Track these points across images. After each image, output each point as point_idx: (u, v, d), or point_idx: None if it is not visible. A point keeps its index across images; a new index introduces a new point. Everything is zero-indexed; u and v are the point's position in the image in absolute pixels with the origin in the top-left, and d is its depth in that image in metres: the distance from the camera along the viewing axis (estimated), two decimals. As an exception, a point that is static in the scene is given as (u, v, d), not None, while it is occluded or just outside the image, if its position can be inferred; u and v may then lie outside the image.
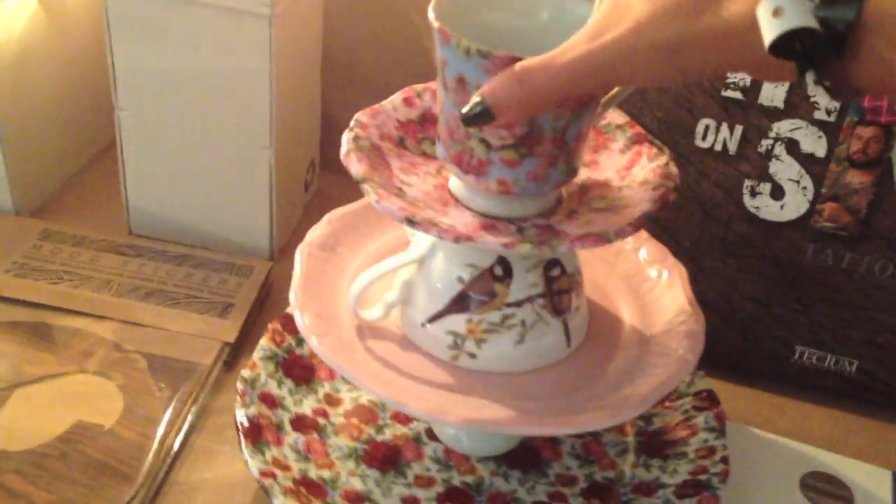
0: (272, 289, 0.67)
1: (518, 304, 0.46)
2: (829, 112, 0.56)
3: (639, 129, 0.48)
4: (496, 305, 0.46)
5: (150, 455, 0.52)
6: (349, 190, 0.53)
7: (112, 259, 0.66)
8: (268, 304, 0.66)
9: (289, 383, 0.56)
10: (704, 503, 0.50)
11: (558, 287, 0.46)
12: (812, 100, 0.56)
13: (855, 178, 0.57)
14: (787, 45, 0.32)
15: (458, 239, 0.40)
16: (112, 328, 0.61)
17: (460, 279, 0.46)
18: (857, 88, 0.33)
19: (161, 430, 0.54)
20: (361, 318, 0.48)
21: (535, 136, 0.40)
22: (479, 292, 0.46)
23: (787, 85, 0.56)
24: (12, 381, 0.56)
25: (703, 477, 0.51)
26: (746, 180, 0.58)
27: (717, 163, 0.58)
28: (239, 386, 0.54)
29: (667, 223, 0.58)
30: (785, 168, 0.57)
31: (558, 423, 0.43)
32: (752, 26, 0.33)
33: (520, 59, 0.37)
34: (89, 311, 0.61)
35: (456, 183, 0.45)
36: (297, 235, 0.73)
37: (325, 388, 0.56)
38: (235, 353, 0.61)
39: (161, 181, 0.69)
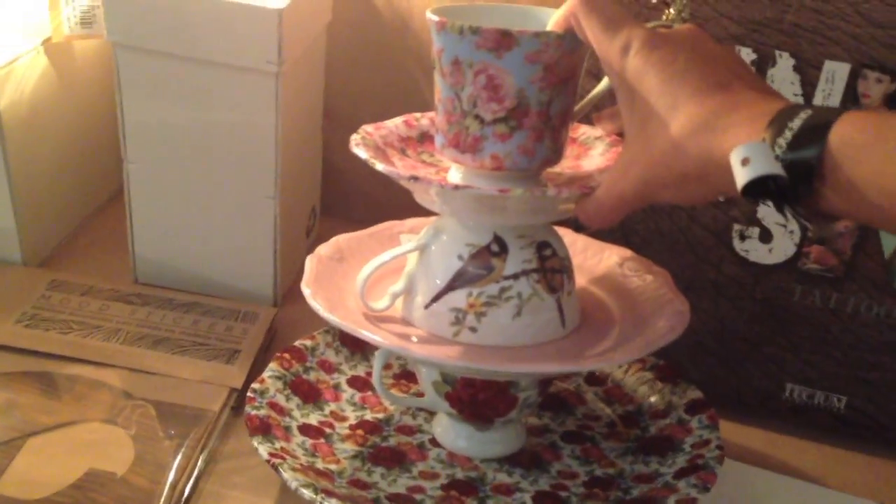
0: (277, 334, 0.69)
1: (514, 276, 0.49)
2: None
3: (616, 137, 0.53)
4: (494, 278, 0.49)
5: (162, 501, 0.54)
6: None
7: (120, 308, 0.68)
8: (273, 349, 0.67)
9: (296, 399, 0.58)
10: (702, 478, 0.52)
11: (550, 265, 0.50)
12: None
13: (839, 222, 0.59)
14: (758, 188, 0.36)
15: (458, 188, 0.46)
16: (121, 376, 0.62)
17: (460, 257, 0.50)
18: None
19: (171, 477, 0.55)
20: (369, 308, 0.51)
21: (523, 108, 0.46)
22: (478, 267, 0.49)
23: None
24: (25, 431, 0.57)
25: (700, 461, 0.54)
26: (735, 224, 0.61)
27: (707, 207, 0.61)
28: (249, 394, 0.57)
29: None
30: (772, 212, 0.60)
31: (562, 362, 0.48)
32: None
33: (507, 31, 0.44)
34: (99, 360, 0.63)
35: (454, 173, 0.50)
36: (300, 281, 0.75)
37: (330, 407, 0.59)
38: (243, 398, 0.62)
39: (167, 231, 0.70)
